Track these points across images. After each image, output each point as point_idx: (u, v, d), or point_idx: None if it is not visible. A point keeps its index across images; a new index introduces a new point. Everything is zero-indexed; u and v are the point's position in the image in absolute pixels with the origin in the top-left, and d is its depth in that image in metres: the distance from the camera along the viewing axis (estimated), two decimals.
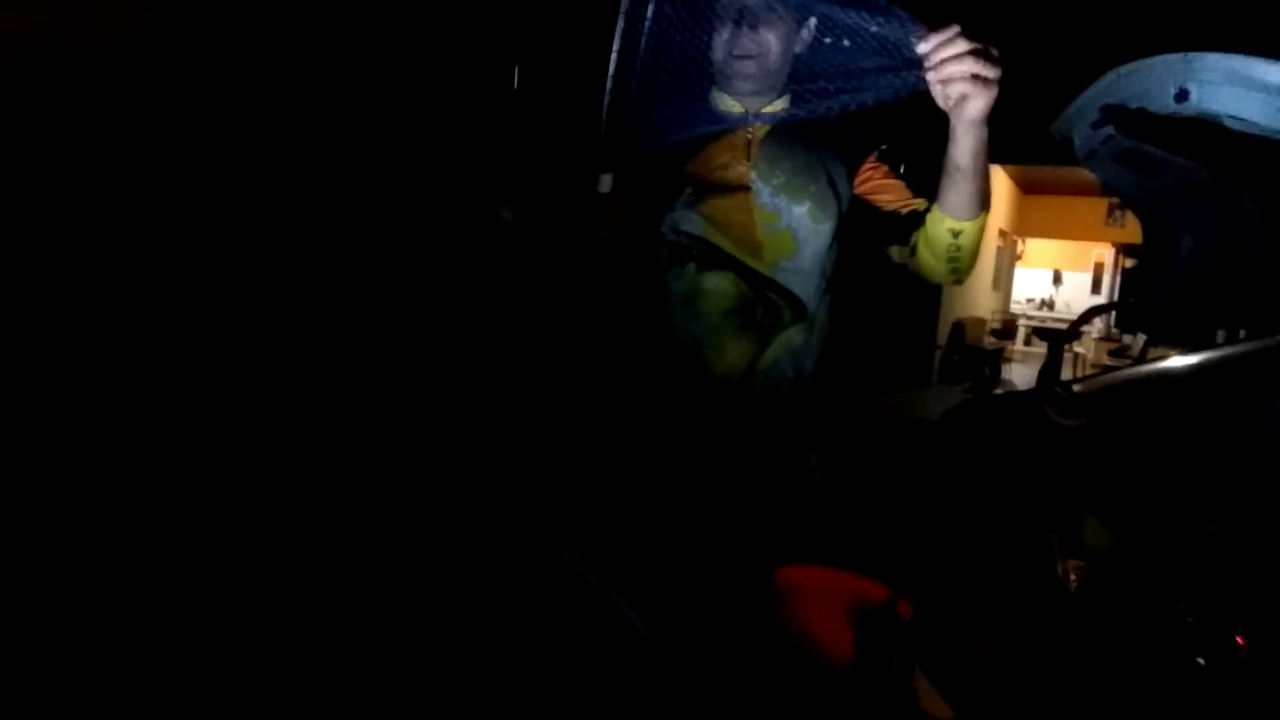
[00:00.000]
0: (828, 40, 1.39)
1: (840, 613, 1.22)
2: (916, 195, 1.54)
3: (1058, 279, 14.02)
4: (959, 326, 8.59)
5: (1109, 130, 1.38)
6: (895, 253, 1.59)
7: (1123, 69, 1.33)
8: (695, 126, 1.47)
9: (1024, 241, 13.48)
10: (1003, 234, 11.64)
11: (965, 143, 1.32)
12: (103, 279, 2.09)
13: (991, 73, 1.24)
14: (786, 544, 1.61)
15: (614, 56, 1.35)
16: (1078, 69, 1.66)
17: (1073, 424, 1.53)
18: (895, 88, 1.22)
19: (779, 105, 1.63)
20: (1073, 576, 1.31)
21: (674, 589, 1.46)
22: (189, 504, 1.88)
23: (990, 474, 1.75)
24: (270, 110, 2.46)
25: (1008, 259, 12.57)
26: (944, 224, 1.47)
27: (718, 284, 1.61)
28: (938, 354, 8.07)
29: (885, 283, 1.93)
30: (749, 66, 1.53)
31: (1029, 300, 13.71)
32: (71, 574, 1.65)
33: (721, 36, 1.53)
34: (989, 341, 9.26)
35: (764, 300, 1.61)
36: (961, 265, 1.56)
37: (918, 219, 1.52)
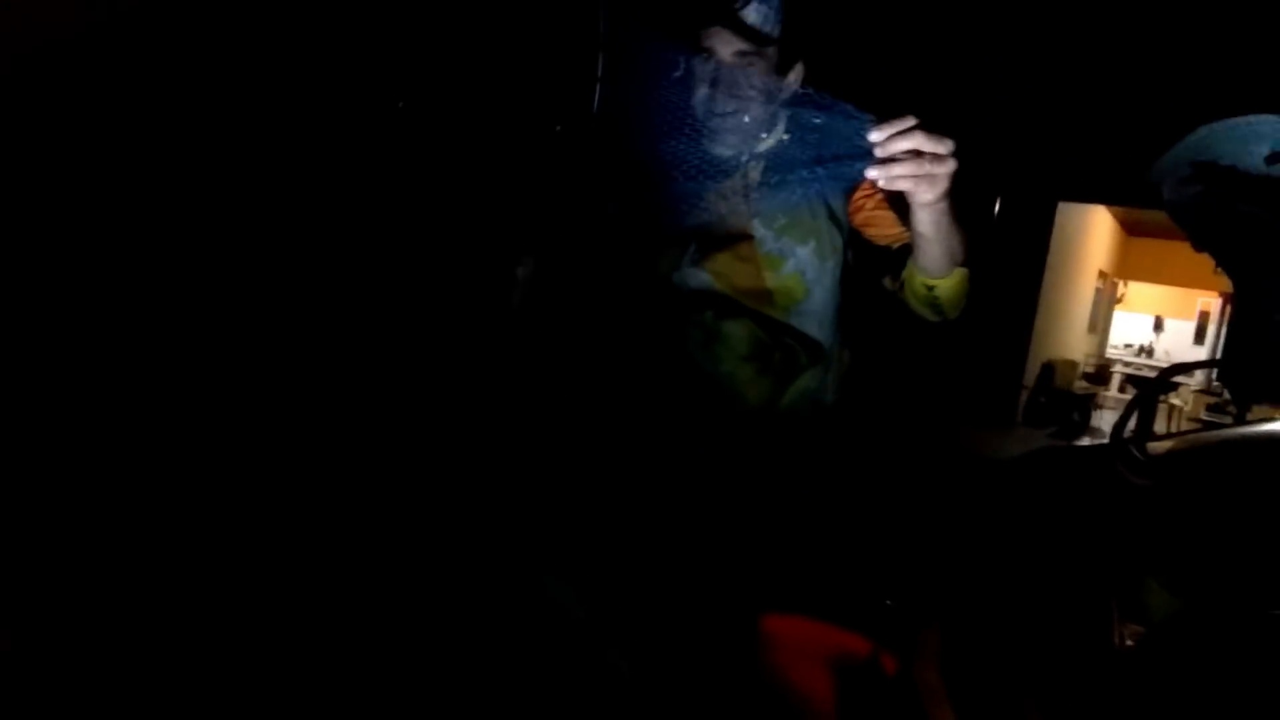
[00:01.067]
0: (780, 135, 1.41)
1: (821, 665, 1.22)
2: (904, 222, 1.53)
3: (1159, 325, 13.46)
4: (1049, 368, 8.34)
5: (1199, 187, 1.34)
6: (888, 283, 1.58)
7: (1216, 125, 1.29)
8: (690, 171, 1.47)
9: (1125, 284, 13.00)
10: (1103, 275, 11.25)
11: (923, 217, 1.31)
12: (89, 278, 2.12)
13: (940, 169, 1.22)
14: (786, 591, 1.60)
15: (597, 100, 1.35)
16: (1182, 111, 1.62)
17: (1143, 483, 1.48)
18: (848, 177, 1.23)
19: (773, 140, 1.60)
20: (1129, 641, 1.27)
21: (666, 629, 1.46)
22: (186, 507, 1.91)
23: (1054, 526, 1.70)
24: (269, 110, 2.50)
25: (1106, 301, 12.14)
26: (917, 278, 1.47)
27: (734, 330, 1.61)
28: (1023, 395, 7.85)
29: (970, 317, 1.91)
30: (730, 122, 1.53)
31: (1126, 346, 13.21)
32: (70, 573, 1.69)
33: (699, 95, 1.51)
34: (1080, 386, 8.96)
35: (780, 345, 1.60)
36: (945, 311, 1.55)
37: (906, 253, 1.50)
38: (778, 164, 1.56)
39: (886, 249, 1.54)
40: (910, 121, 1.19)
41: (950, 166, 1.21)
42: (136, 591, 1.72)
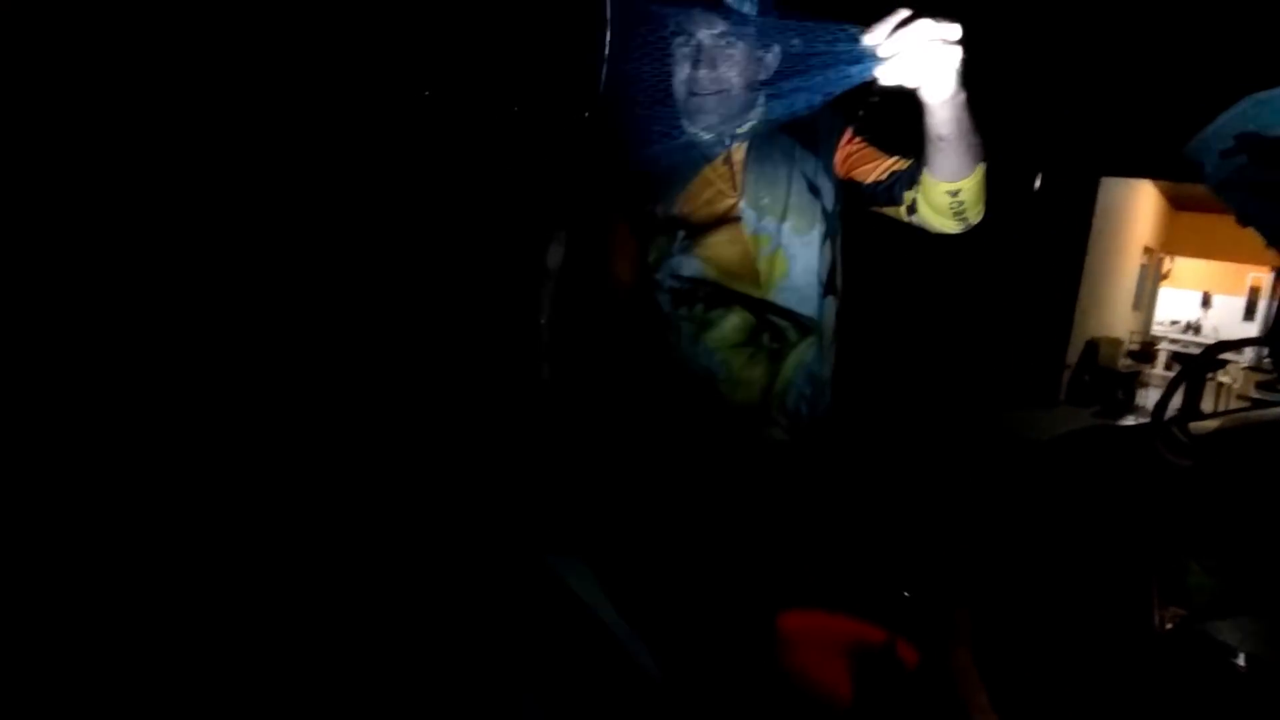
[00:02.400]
0: (784, 44, 1.36)
1: (839, 657, 1.21)
2: (893, 152, 1.50)
3: (1207, 302, 13.15)
4: (1092, 345, 8.19)
5: (1243, 159, 1.30)
6: (891, 213, 1.55)
7: (1260, 95, 1.25)
8: (674, 162, 1.46)
9: (1172, 260, 12.71)
10: (1148, 251, 11.01)
11: (941, 114, 1.27)
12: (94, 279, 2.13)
13: (950, 55, 1.17)
14: (801, 585, 1.59)
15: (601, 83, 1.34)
16: (1225, 84, 1.57)
17: (1184, 463, 1.45)
18: (853, 75, 1.18)
19: (754, 118, 1.59)
20: (1168, 624, 1.25)
21: (686, 625, 1.46)
22: (188, 505, 1.92)
23: (1093, 506, 1.68)
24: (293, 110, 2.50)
25: (1152, 278, 11.88)
26: (939, 187, 1.43)
27: (724, 319, 1.61)
28: (1066, 373, 7.72)
29: (1011, 295, 1.88)
30: (710, 103, 1.51)
31: (1173, 323, 12.92)
32: (68, 573, 1.71)
33: (680, 75, 1.50)
34: (1124, 364, 8.79)
35: (768, 325, 1.59)
36: (969, 216, 1.51)
37: (904, 177, 1.47)
38: (760, 145, 1.56)
39: (880, 185, 1.52)
40: (905, 12, 1.16)
41: (958, 52, 1.18)
42: (138, 581, 1.75)
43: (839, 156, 1.57)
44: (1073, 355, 7.90)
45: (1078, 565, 1.51)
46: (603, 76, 1.35)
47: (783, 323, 1.59)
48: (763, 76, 1.53)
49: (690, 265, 1.59)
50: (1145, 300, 11.83)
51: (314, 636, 1.53)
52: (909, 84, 1.20)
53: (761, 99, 1.54)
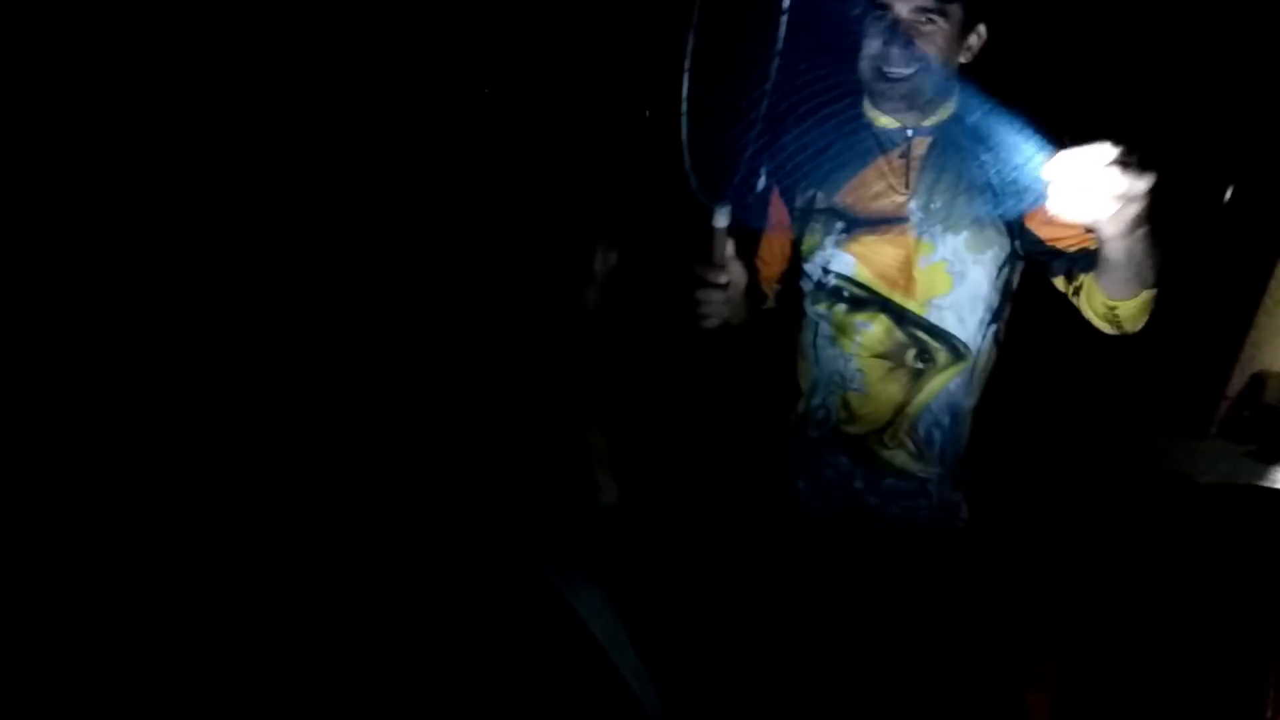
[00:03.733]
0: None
1: None
2: (1089, 232, 1.36)
3: None
4: (1259, 379, 7.52)
5: None
6: (1060, 284, 1.42)
7: None
8: (846, 146, 1.33)
9: None
10: None
11: (1114, 246, 1.15)
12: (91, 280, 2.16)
13: (1130, 208, 1.04)
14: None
15: (686, 78, 1.22)
16: None
17: None
18: (1019, 195, 1.09)
19: (944, 113, 1.44)
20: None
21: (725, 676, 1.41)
22: (186, 507, 1.95)
23: (1223, 568, 1.53)
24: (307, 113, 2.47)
25: None
26: (1099, 297, 1.32)
27: (867, 325, 1.49)
28: (1224, 404, 7.15)
29: (1179, 313, 1.73)
30: (902, 88, 1.37)
31: None
32: (67, 573, 1.75)
33: (870, 50, 1.36)
34: None
35: (917, 342, 1.47)
36: (1124, 328, 1.39)
37: (1085, 259, 1.33)
38: (944, 147, 1.42)
39: (1060, 255, 1.39)
40: (1105, 150, 1.04)
41: (1142, 203, 1.06)
42: (141, 580, 1.80)
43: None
44: (1234, 387, 7.31)
45: (1191, 632, 1.39)
46: (685, 83, 1.27)
47: (932, 342, 1.49)
48: (963, 59, 1.42)
49: (842, 261, 1.50)
50: None
51: (308, 639, 1.55)
52: (1080, 221, 1.10)
53: (956, 89, 1.43)
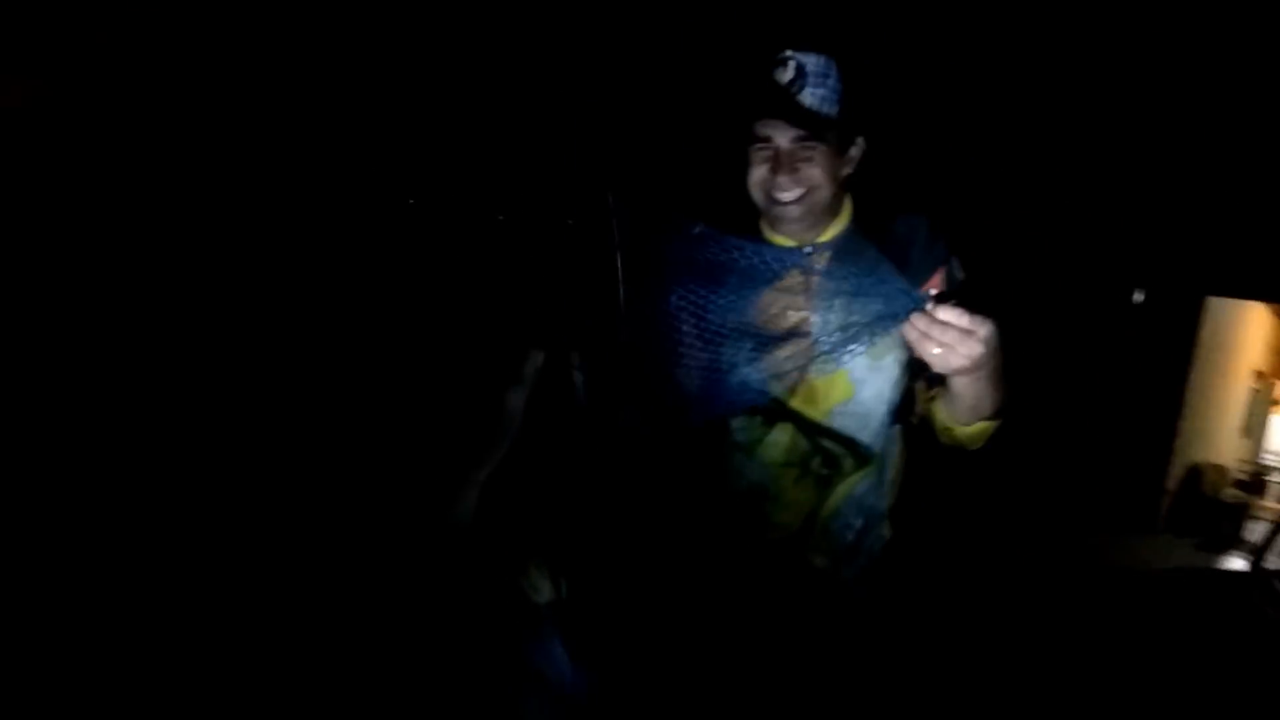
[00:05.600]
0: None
1: None
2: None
3: None
4: (1195, 472, 7.74)
5: None
6: (919, 388, 1.46)
7: None
8: (748, 268, 1.39)
9: None
10: (1260, 375, 10.44)
11: (954, 380, 1.24)
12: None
13: (967, 349, 1.14)
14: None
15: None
16: None
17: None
18: (885, 328, 1.18)
19: (838, 226, 1.52)
20: None
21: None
22: (184, 508, 1.90)
23: (1183, 658, 1.53)
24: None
25: (1263, 404, 11.23)
26: (941, 413, 1.38)
27: (776, 436, 1.52)
28: (1167, 499, 7.29)
29: (1107, 416, 1.76)
30: (794, 210, 1.45)
31: None
32: (67, 573, 1.69)
33: (756, 178, 1.44)
34: (1230, 494, 8.25)
35: (820, 450, 1.50)
36: (963, 446, 1.46)
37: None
38: (840, 260, 1.49)
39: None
40: (955, 313, 1.13)
41: (980, 348, 1.14)
42: (129, 580, 1.72)
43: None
44: (1173, 480, 7.47)
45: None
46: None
47: (837, 449, 1.50)
48: (847, 171, 1.49)
49: (756, 376, 1.52)
50: (1256, 427, 11.17)
51: (304, 640, 1.49)
52: (923, 357, 1.19)
53: (847, 201, 1.50)
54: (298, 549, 1.72)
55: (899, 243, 1.45)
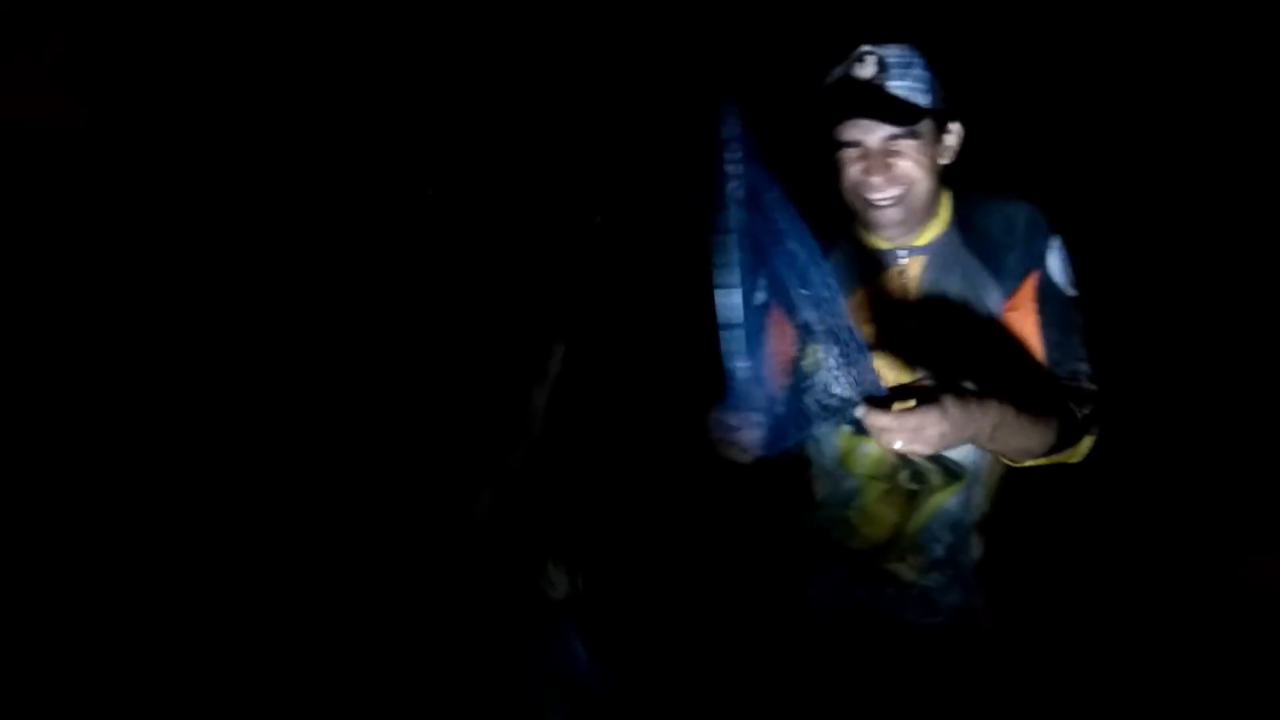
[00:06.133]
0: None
1: None
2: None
3: None
4: None
5: None
6: None
7: None
8: (843, 268, 1.31)
9: None
10: None
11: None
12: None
13: (942, 434, 1.01)
14: None
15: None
16: None
17: None
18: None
19: (936, 229, 1.42)
20: None
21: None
22: (186, 507, 1.92)
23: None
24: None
25: None
26: None
27: (865, 446, 1.45)
28: None
29: (1260, 424, 1.65)
30: (894, 213, 1.35)
31: None
32: (66, 573, 1.72)
33: (850, 180, 1.36)
34: None
35: (908, 464, 1.42)
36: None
37: None
38: (939, 264, 1.42)
39: None
40: (885, 415, 1.02)
41: (945, 429, 1.03)
42: (130, 580, 1.76)
43: (1006, 304, 1.42)
44: None
45: None
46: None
47: (925, 464, 1.44)
48: (945, 161, 1.41)
49: (842, 384, 1.46)
50: None
51: (322, 635, 1.51)
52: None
53: (947, 201, 1.43)
54: (318, 546, 1.75)
55: (993, 244, 1.36)
